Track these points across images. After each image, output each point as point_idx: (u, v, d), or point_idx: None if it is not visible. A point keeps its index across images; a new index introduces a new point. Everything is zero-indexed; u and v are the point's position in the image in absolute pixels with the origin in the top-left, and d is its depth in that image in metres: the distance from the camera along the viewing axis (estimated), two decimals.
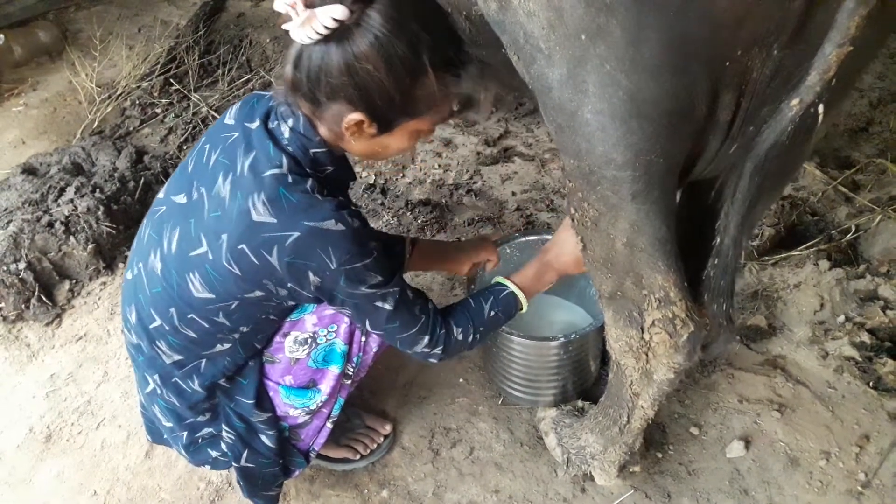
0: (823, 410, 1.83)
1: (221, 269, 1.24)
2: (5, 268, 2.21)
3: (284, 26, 1.10)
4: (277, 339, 1.44)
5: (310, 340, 1.44)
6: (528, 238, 1.93)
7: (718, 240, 1.23)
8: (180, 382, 1.43)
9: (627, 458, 1.61)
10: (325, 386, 1.49)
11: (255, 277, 1.25)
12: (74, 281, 2.35)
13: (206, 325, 1.33)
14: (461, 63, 1.18)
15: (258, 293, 1.28)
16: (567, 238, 1.53)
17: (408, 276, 1.74)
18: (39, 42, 3.61)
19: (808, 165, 2.49)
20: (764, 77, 0.98)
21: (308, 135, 1.24)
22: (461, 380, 1.97)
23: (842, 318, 1.98)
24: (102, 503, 1.77)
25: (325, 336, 1.44)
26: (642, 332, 1.31)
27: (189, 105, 3.16)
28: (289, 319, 1.42)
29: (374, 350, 1.53)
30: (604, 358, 1.82)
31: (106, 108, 3.12)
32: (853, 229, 2.22)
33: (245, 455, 1.49)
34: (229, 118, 1.35)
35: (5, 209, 2.43)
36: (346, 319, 1.44)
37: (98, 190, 2.49)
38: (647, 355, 1.34)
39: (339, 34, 1.09)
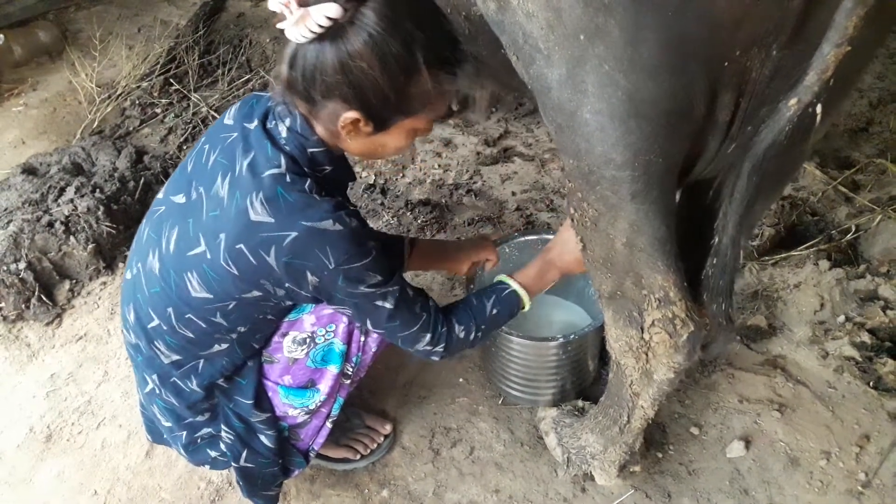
0: (823, 410, 1.83)
1: (219, 269, 1.25)
2: (5, 268, 2.22)
3: (279, 25, 1.10)
4: (276, 339, 1.44)
5: (308, 340, 1.44)
6: (527, 238, 1.93)
7: (717, 239, 1.23)
8: (178, 382, 1.43)
9: (627, 457, 1.61)
10: (324, 386, 1.49)
11: (252, 277, 1.25)
12: (74, 281, 2.35)
13: (204, 326, 1.33)
14: (456, 61, 1.17)
15: (256, 293, 1.28)
16: (570, 237, 1.53)
17: (408, 276, 1.74)
18: (39, 42, 3.60)
19: (808, 165, 2.49)
20: (763, 77, 0.98)
21: (305, 134, 1.24)
22: (461, 379, 1.97)
23: (842, 318, 1.98)
24: (103, 503, 1.77)
25: (323, 336, 1.44)
26: (642, 332, 1.31)
27: (189, 105, 3.16)
28: (287, 319, 1.42)
29: (374, 350, 1.53)
30: (603, 358, 1.82)
31: (106, 108, 3.12)
32: (853, 229, 2.21)
33: (244, 455, 1.49)
34: (228, 118, 1.35)
35: (5, 209, 2.43)
36: (345, 319, 1.44)
37: (98, 190, 2.49)
38: (647, 355, 1.34)
39: (333, 32, 1.09)
